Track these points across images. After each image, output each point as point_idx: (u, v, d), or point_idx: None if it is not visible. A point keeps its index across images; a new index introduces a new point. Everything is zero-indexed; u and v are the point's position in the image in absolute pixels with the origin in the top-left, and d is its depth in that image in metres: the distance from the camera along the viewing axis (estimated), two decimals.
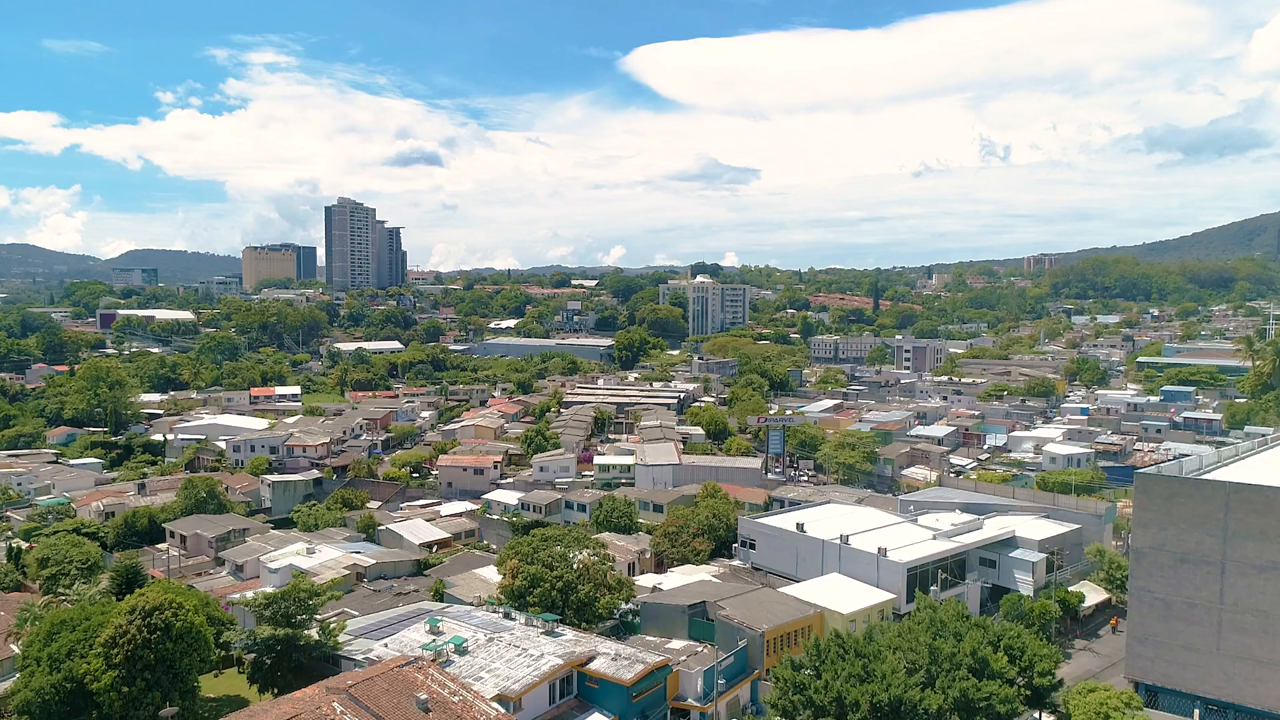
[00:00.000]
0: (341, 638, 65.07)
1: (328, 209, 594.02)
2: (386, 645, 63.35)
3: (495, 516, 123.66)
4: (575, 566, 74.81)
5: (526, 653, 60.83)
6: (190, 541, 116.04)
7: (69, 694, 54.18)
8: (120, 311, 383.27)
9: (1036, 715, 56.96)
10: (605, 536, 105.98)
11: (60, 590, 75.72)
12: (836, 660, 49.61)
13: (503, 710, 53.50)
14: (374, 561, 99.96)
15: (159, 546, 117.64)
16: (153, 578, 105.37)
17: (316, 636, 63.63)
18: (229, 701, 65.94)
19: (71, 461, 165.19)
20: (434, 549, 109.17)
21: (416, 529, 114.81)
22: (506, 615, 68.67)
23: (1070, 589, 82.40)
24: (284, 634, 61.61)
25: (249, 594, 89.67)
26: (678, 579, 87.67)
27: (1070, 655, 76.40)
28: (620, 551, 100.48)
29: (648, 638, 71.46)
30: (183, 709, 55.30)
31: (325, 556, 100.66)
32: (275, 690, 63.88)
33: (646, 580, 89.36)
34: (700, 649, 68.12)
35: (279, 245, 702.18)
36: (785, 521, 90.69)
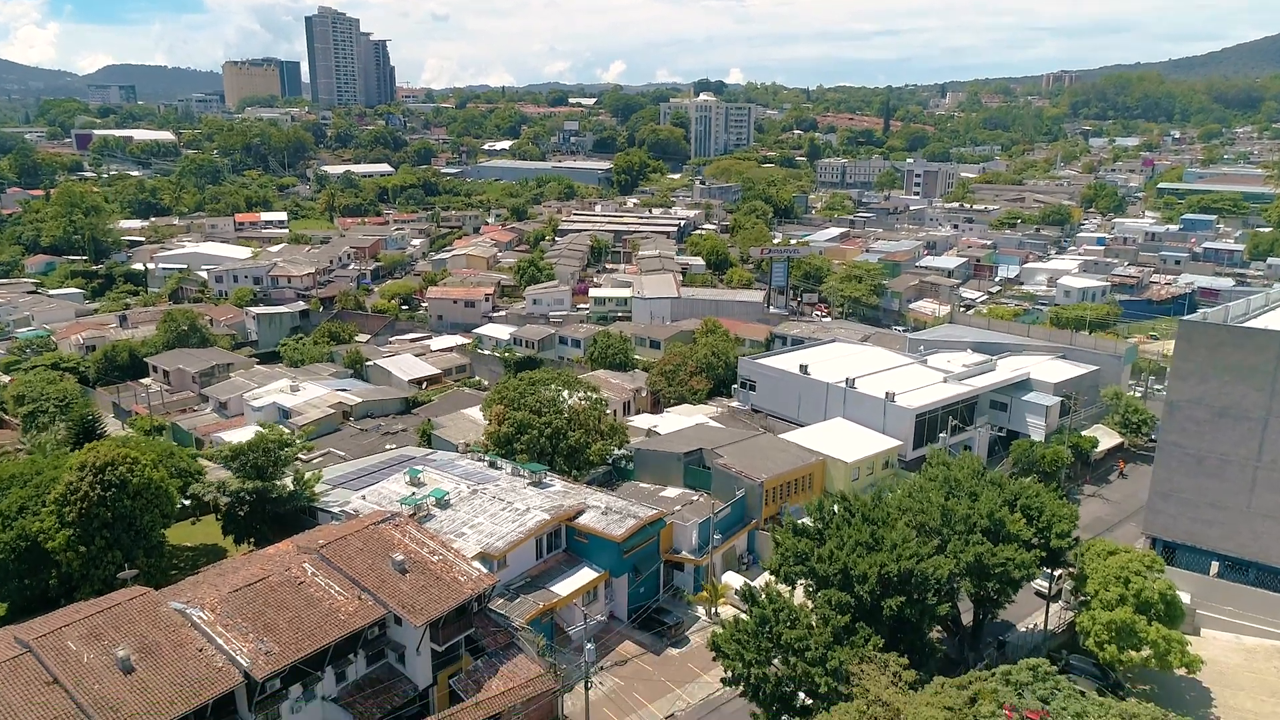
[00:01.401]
0: (318, 488, 61.76)
1: (308, 19, 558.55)
2: (364, 498, 60.08)
3: (487, 352, 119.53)
4: (565, 412, 70.77)
5: (512, 506, 57.53)
6: (173, 376, 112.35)
7: (25, 553, 51.10)
8: (97, 132, 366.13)
9: (1049, 571, 54.07)
10: (600, 374, 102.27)
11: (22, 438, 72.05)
12: (842, 525, 45.86)
13: (484, 570, 50.51)
14: (360, 400, 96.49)
15: (143, 381, 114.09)
16: (135, 413, 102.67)
17: (291, 487, 60.22)
18: (206, 551, 63.59)
19: (51, 292, 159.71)
20: (423, 386, 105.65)
21: (405, 365, 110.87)
22: (492, 465, 65.20)
23: (1083, 434, 78.84)
24: (254, 487, 58.08)
25: (224, 435, 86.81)
26: (674, 420, 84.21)
27: (1080, 501, 73.76)
28: (615, 390, 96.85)
29: (641, 485, 68.46)
30: (148, 565, 52.42)
31: (310, 394, 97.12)
32: (251, 541, 61.31)
33: (642, 421, 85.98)
34: (696, 498, 65.13)
35: (261, 60, 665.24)
36: (788, 363, 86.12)
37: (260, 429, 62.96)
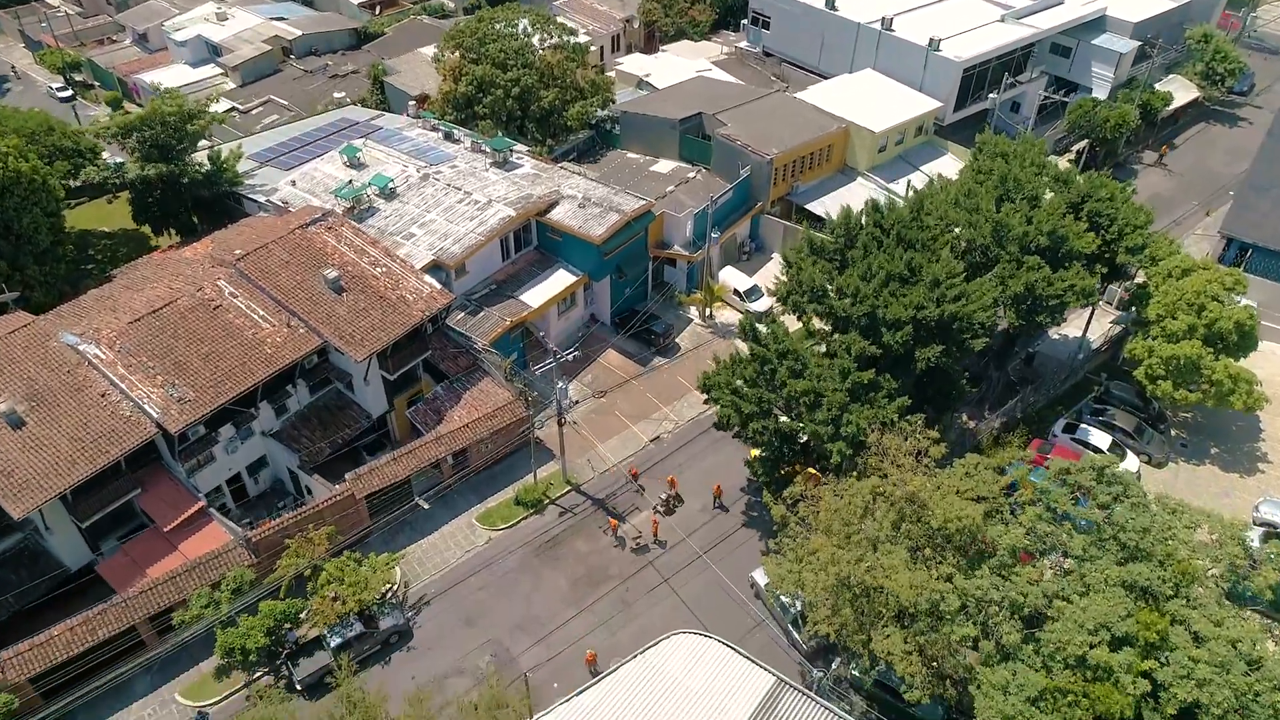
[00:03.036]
0: (242, 166, 51.56)
1: None
2: (295, 183, 50.24)
3: None
4: (536, 64, 57.92)
5: (470, 198, 48.03)
6: None
7: None
8: None
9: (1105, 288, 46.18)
10: None
11: None
12: (870, 247, 36.95)
13: (437, 286, 42.61)
14: (301, 33, 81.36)
15: (50, 1, 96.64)
16: (45, 45, 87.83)
17: (207, 166, 50.08)
18: (127, 239, 55.20)
19: None
20: (376, 10, 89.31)
21: None
22: (448, 136, 54.31)
23: (1156, 87, 66.25)
24: (159, 172, 47.98)
25: (146, 77, 73.85)
26: (671, 65, 70.90)
27: (1138, 173, 63.75)
28: (601, 20, 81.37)
29: (629, 155, 58.20)
30: (43, 275, 44.48)
31: (241, 25, 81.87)
32: (172, 231, 52.73)
33: (632, 64, 72.53)
34: (693, 174, 55.35)
35: None
36: None
37: (157, 95, 51.12)
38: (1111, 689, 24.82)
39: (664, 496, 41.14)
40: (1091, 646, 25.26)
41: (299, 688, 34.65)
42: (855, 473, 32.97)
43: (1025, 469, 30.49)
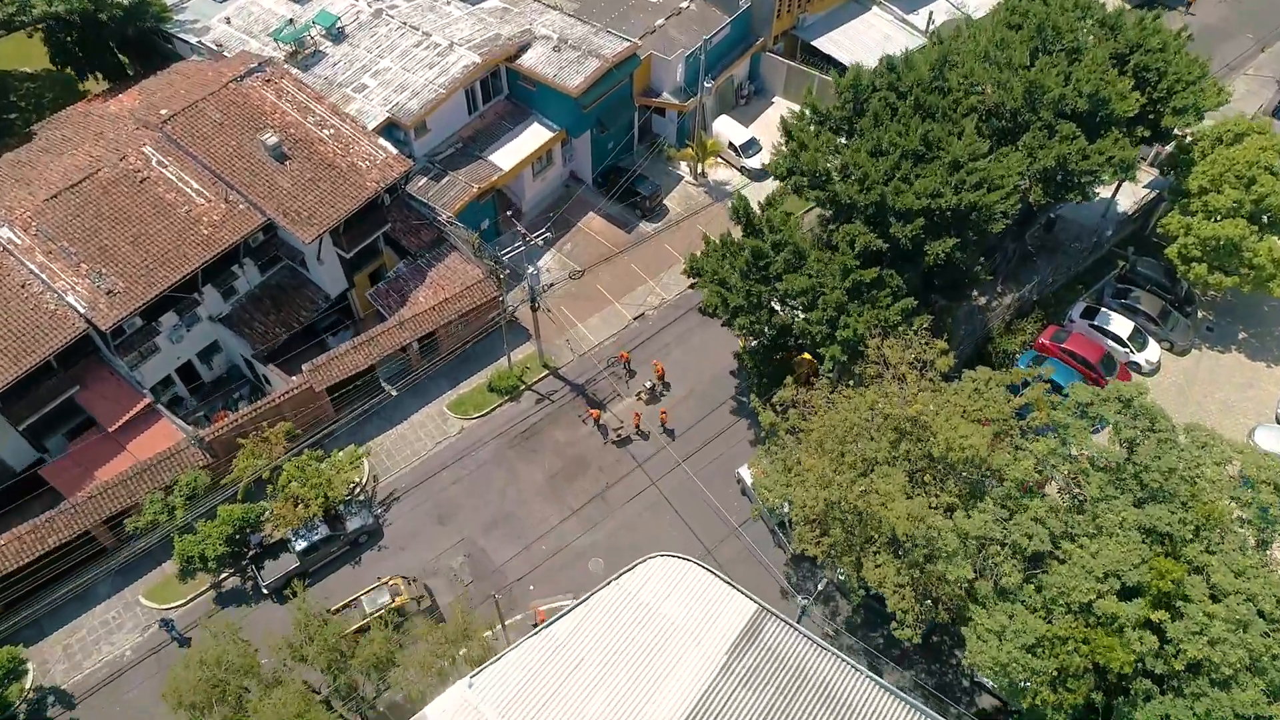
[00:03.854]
0: None
1: None
2: (230, 21, 43.91)
3: None
4: None
5: (430, 40, 42.07)
6: None
7: None
8: None
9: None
10: None
11: None
12: (882, 116, 32.00)
13: (393, 151, 37.81)
14: None
15: None
16: None
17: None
18: (53, 82, 49.39)
19: None
20: None
21: None
22: None
23: None
24: (69, 7, 41.64)
25: None
26: None
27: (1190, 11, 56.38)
28: None
29: None
30: None
31: None
32: (98, 75, 46.87)
33: None
34: (686, 4, 48.62)
35: None
36: None
37: None
38: (1114, 640, 23.09)
39: (648, 384, 38.51)
40: (1099, 595, 23.31)
41: (266, 591, 33.47)
42: (851, 381, 30.02)
43: (1041, 387, 27.48)
